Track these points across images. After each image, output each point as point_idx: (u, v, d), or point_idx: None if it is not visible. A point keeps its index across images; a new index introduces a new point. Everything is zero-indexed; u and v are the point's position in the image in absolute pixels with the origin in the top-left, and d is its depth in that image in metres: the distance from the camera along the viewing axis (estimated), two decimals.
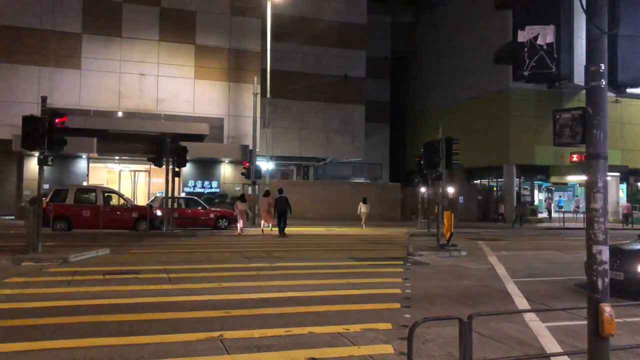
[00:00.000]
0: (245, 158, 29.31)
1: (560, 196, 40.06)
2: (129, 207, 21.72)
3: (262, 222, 22.26)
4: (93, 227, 19.98)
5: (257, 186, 27.63)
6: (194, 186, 31.35)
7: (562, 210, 38.60)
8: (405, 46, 47.22)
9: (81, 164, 29.99)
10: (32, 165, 27.19)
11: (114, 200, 21.63)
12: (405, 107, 47.96)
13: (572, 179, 37.57)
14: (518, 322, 7.16)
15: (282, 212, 21.26)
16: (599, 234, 3.97)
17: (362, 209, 27.01)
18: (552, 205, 39.39)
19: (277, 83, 30.71)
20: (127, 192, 28.69)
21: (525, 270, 12.54)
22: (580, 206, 38.58)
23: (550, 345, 6.18)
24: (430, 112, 43.26)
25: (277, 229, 21.54)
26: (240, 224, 22.21)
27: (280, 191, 22.02)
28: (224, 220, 24.20)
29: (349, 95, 38.03)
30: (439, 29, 43.69)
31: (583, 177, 28.92)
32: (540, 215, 36.95)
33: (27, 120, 13.10)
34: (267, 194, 22.66)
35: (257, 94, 29.31)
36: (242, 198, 23.08)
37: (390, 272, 11.67)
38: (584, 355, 4.19)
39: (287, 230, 21.49)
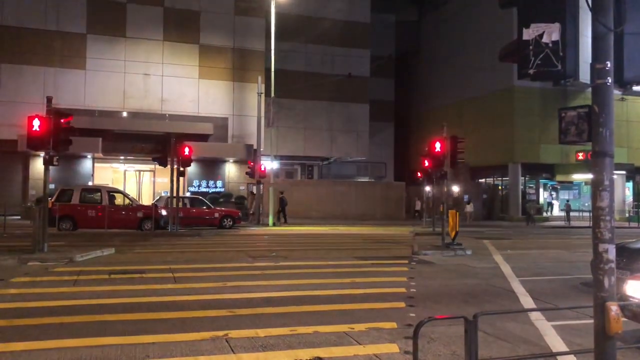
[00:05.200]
0: (249, 157, 29.35)
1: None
2: (134, 207, 21.77)
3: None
4: (98, 227, 20.04)
5: (261, 185, 27.69)
6: (199, 186, 31.41)
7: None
8: (409, 45, 47.15)
9: (86, 164, 30.10)
10: (37, 165, 27.30)
11: (119, 200, 21.70)
12: (410, 106, 47.89)
13: (578, 177, 37.44)
14: (524, 321, 7.14)
15: (283, 208, 28.10)
16: (605, 232, 3.94)
17: (467, 208, 31.50)
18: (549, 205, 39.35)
19: (281, 82, 30.71)
20: (132, 192, 28.77)
21: (530, 269, 12.50)
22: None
23: (557, 344, 6.16)
24: (434, 110, 43.19)
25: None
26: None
27: (282, 192, 28.38)
28: (228, 220, 24.28)
29: (353, 95, 38.01)
30: (443, 28, 43.60)
31: (589, 176, 28.88)
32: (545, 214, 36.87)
33: (33, 120, 13.14)
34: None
35: (262, 93, 29.33)
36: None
37: (395, 272, 11.65)
38: (590, 354, 4.17)
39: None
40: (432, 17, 46.02)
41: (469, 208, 32.18)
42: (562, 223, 32.80)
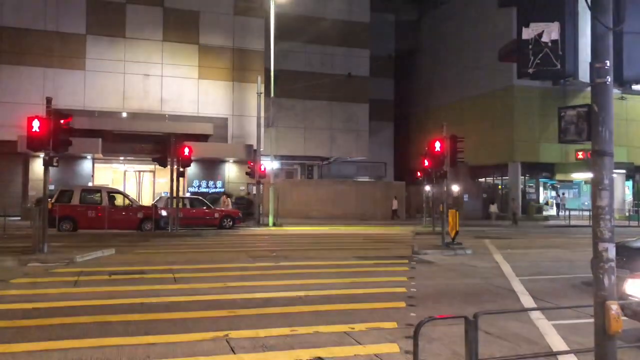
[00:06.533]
0: (249, 158, 29.35)
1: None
2: (134, 208, 21.76)
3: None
4: (98, 228, 20.07)
5: (261, 185, 27.70)
6: (199, 186, 31.40)
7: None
8: (409, 44, 47.13)
9: (86, 165, 30.09)
10: (37, 166, 27.30)
11: (119, 201, 21.69)
12: (409, 106, 47.88)
13: (578, 176, 37.43)
14: (524, 320, 7.14)
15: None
16: (605, 231, 3.95)
17: (491, 208, 32.84)
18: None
19: (281, 82, 30.71)
20: (132, 193, 28.77)
21: (531, 268, 12.50)
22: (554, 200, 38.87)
23: (557, 343, 6.16)
24: (434, 110, 43.19)
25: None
26: None
27: (248, 193, 30.71)
28: (228, 220, 24.28)
29: (352, 94, 38.00)
30: (442, 27, 43.59)
31: (588, 175, 28.86)
32: (545, 213, 36.85)
33: (32, 121, 13.14)
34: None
35: (261, 93, 29.31)
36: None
37: (395, 271, 11.65)
38: (590, 353, 4.17)
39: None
40: (432, 16, 46.01)
41: (493, 208, 33.37)
42: (562, 222, 32.76)
